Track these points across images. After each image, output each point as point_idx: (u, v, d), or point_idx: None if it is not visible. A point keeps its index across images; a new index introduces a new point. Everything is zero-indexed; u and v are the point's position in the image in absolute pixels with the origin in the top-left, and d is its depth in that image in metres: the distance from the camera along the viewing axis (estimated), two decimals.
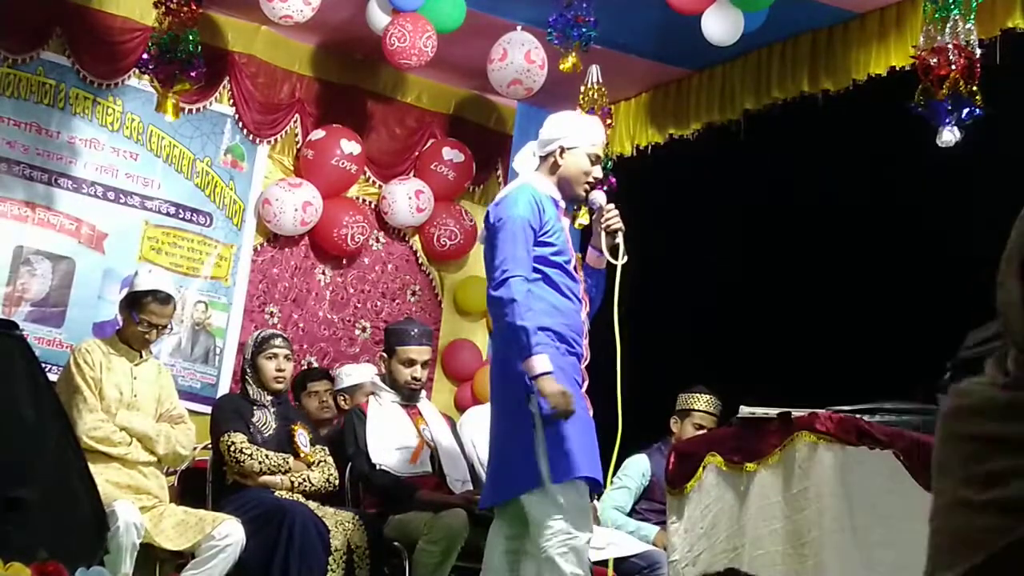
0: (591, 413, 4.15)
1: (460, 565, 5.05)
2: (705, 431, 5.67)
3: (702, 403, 5.76)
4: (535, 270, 4.12)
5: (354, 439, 5.33)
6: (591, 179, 4.31)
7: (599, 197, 4.36)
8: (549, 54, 6.28)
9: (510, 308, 4.00)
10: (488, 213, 4.29)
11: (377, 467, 5.24)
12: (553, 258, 4.18)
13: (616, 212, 4.32)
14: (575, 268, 4.28)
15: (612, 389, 4.18)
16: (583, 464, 4.00)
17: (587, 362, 4.24)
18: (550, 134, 4.34)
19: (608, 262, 4.32)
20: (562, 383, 4.00)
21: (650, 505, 5.66)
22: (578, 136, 4.30)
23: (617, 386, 4.20)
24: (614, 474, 4.35)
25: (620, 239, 4.27)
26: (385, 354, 5.52)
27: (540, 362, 3.98)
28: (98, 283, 6.43)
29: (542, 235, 4.16)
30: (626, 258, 4.26)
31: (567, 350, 4.13)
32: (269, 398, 5.31)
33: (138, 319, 5.05)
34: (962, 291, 5.62)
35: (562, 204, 4.31)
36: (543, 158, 4.33)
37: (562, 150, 4.28)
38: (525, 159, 4.41)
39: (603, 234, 4.30)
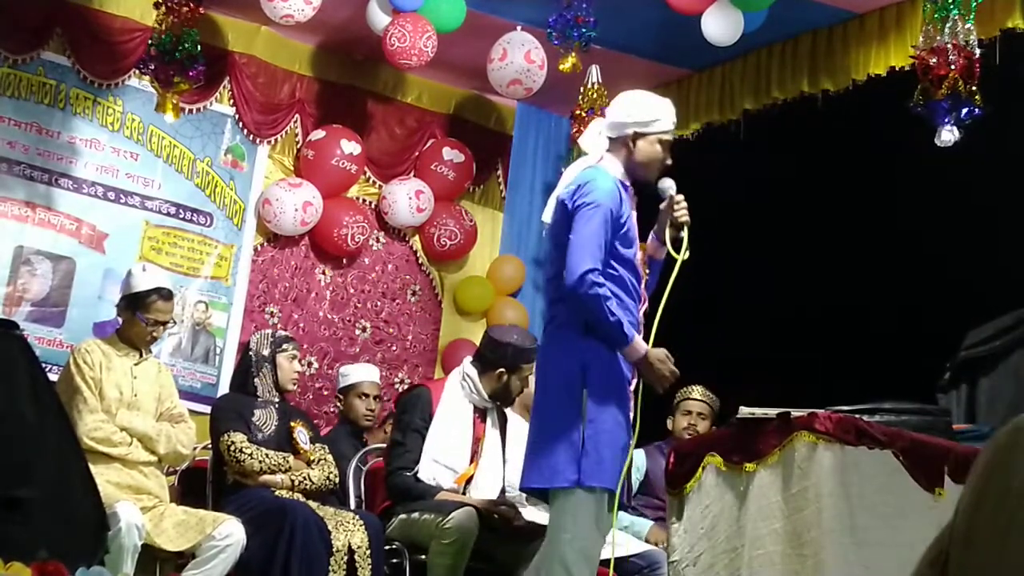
0: (632, 415, 4.11)
1: (469, 565, 5.01)
2: (698, 417, 5.72)
3: (696, 393, 5.82)
4: (606, 264, 4.01)
5: (414, 431, 5.11)
6: (663, 165, 4.18)
7: (670, 186, 4.21)
8: (549, 54, 6.28)
9: (598, 304, 3.93)
10: (566, 197, 4.09)
11: (416, 477, 5.06)
12: (623, 251, 4.07)
13: (685, 205, 4.19)
14: (640, 261, 4.20)
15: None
16: (611, 475, 3.99)
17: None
18: (622, 117, 4.14)
19: (668, 255, 4.21)
20: (609, 384, 4.01)
21: (646, 501, 5.67)
22: (651, 121, 4.13)
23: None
24: None
25: (685, 233, 4.16)
26: (505, 369, 5.15)
27: (639, 344, 4.01)
28: (98, 283, 6.43)
29: (619, 228, 4.06)
30: (688, 253, 4.13)
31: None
32: (277, 396, 5.32)
33: (144, 319, 5.04)
34: (962, 291, 5.64)
35: (631, 189, 4.18)
36: (613, 140, 4.16)
37: (636, 135, 4.12)
38: (594, 138, 4.20)
39: (668, 225, 4.20)
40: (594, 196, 3.99)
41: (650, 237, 4.26)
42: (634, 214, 4.19)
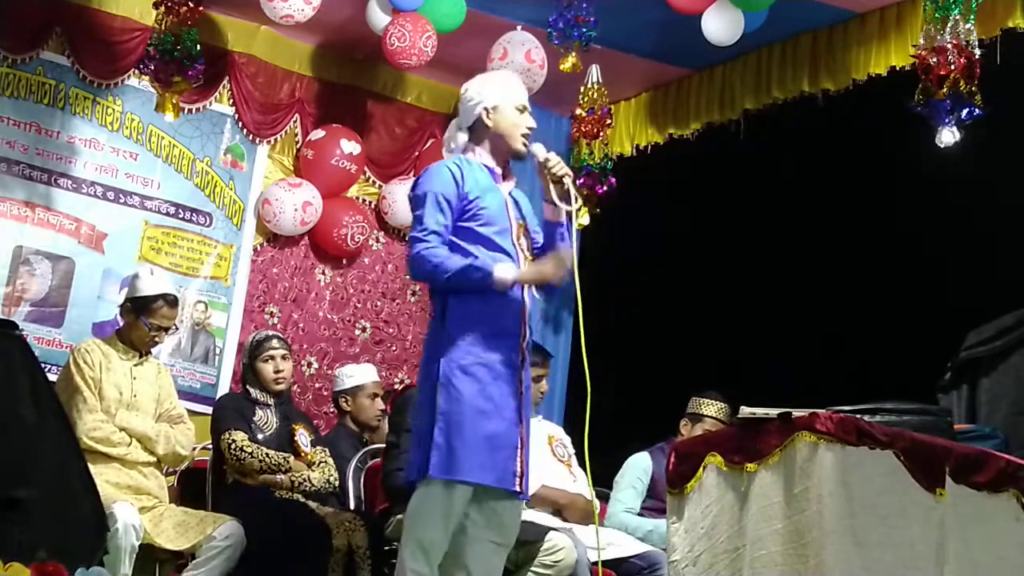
0: (517, 406, 4.00)
1: None
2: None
3: (713, 410, 5.65)
4: (457, 247, 4.00)
5: (407, 432, 5.03)
6: (525, 130, 4.18)
7: (539, 149, 4.18)
8: (549, 54, 6.27)
9: (436, 267, 3.94)
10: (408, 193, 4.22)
11: None
12: (480, 230, 4.05)
13: (559, 159, 4.17)
14: (518, 235, 4.14)
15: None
16: (469, 467, 3.90)
17: (527, 340, 4.09)
18: (468, 100, 4.18)
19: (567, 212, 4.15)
20: (468, 373, 3.94)
21: (652, 503, 5.64)
22: (497, 93, 4.17)
23: (584, 362, 4.08)
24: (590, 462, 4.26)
25: (569, 184, 4.11)
26: None
27: (503, 271, 3.96)
28: (98, 283, 6.43)
29: (467, 206, 4.04)
30: (579, 202, 4.12)
31: (494, 330, 4.01)
32: (272, 398, 5.31)
33: (148, 323, 5.03)
34: (962, 291, 5.64)
35: (499, 170, 4.19)
36: (471, 129, 4.19)
37: (486, 112, 4.15)
38: (453, 136, 4.25)
39: (551, 185, 4.15)
40: (420, 186, 4.08)
41: (544, 206, 4.20)
42: (507, 188, 4.18)
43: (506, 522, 4.08)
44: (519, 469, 3.99)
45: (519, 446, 4.00)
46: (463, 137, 4.21)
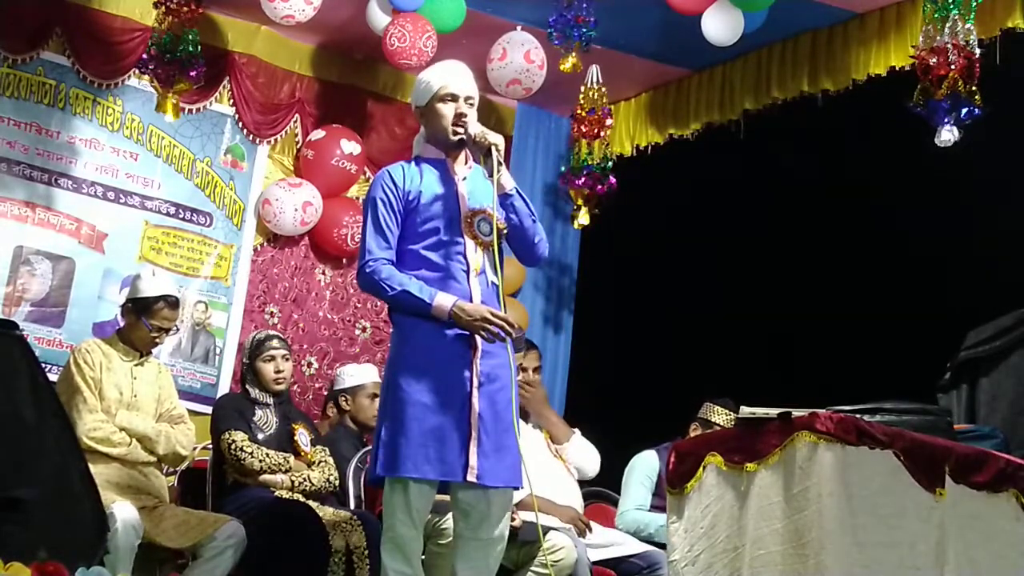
0: (467, 396, 3.97)
1: None
2: None
3: (723, 420, 5.58)
4: (405, 250, 4.06)
5: None
6: (459, 120, 4.11)
7: (473, 128, 4.12)
8: (549, 54, 6.28)
9: (379, 287, 4.01)
10: None
11: None
12: (422, 228, 4.07)
13: (484, 129, 4.10)
14: (470, 223, 4.10)
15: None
16: (413, 463, 3.90)
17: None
18: (412, 107, 4.26)
19: (515, 187, 4.15)
20: (417, 369, 3.96)
21: (657, 502, 5.63)
22: (423, 92, 4.15)
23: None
24: None
25: (494, 154, 4.04)
26: None
27: (441, 301, 3.95)
28: (98, 283, 6.43)
29: (408, 205, 4.08)
30: (503, 165, 4.06)
31: (442, 323, 3.98)
32: (271, 398, 5.31)
33: (149, 324, 5.03)
34: (962, 291, 5.65)
35: (451, 161, 4.17)
36: (426, 132, 4.24)
37: (419, 113, 4.19)
38: (416, 141, 4.32)
39: (482, 158, 4.12)
40: (368, 194, 4.19)
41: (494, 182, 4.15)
42: (454, 187, 4.14)
43: (483, 514, 4.06)
44: (471, 460, 3.94)
45: (470, 436, 3.95)
46: (421, 141, 4.27)
